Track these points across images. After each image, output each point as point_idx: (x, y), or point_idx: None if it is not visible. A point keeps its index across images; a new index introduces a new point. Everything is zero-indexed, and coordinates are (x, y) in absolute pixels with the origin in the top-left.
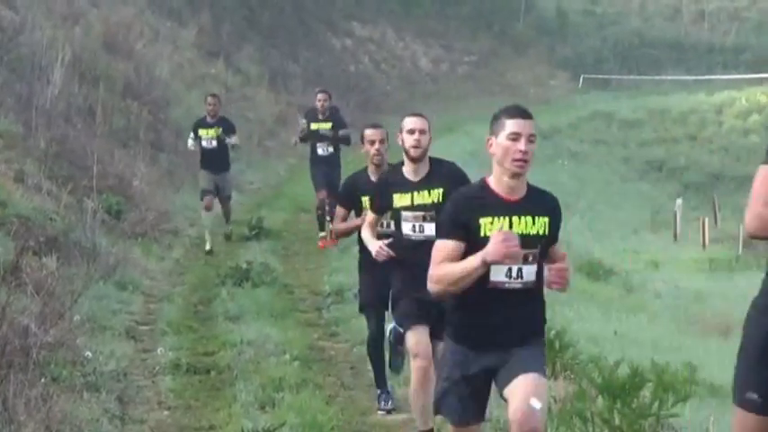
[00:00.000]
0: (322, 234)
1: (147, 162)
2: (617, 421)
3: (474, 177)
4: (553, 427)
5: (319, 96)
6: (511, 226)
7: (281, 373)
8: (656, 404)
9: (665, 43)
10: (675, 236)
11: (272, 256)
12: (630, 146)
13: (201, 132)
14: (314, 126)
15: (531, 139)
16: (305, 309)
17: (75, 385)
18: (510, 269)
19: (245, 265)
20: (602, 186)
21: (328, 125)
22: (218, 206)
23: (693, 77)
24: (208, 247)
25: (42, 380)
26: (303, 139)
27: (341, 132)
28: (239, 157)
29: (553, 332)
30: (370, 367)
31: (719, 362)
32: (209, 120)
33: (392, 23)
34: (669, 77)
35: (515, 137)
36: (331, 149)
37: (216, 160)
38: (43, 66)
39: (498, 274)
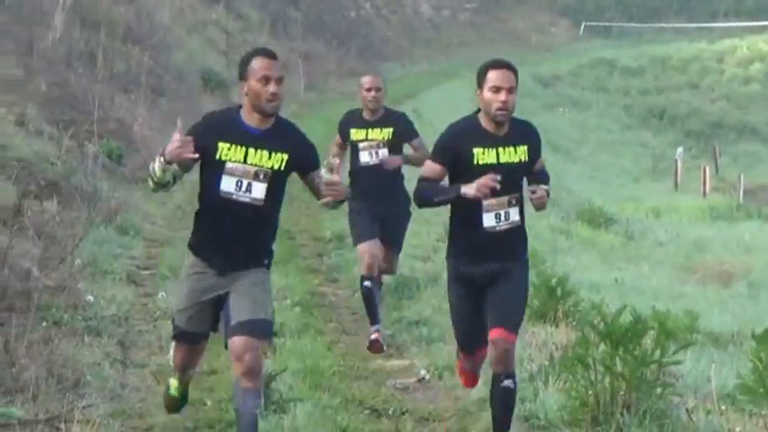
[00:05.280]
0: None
1: (147, 107)
2: (619, 368)
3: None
4: (555, 373)
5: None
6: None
7: (283, 319)
8: (658, 351)
9: None
10: (676, 184)
11: None
12: (632, 93)
13: (231, 154)
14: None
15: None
16: (306, 254)
17: (76, 329)
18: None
19: None
20: (603, 134)
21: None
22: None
23: (695, 25)
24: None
25: (44, 323)
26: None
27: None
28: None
29: (555, 279)
30: None
31: (720, 310)
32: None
33: None
34: (671, 25)
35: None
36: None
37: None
38: (44, 10)
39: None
